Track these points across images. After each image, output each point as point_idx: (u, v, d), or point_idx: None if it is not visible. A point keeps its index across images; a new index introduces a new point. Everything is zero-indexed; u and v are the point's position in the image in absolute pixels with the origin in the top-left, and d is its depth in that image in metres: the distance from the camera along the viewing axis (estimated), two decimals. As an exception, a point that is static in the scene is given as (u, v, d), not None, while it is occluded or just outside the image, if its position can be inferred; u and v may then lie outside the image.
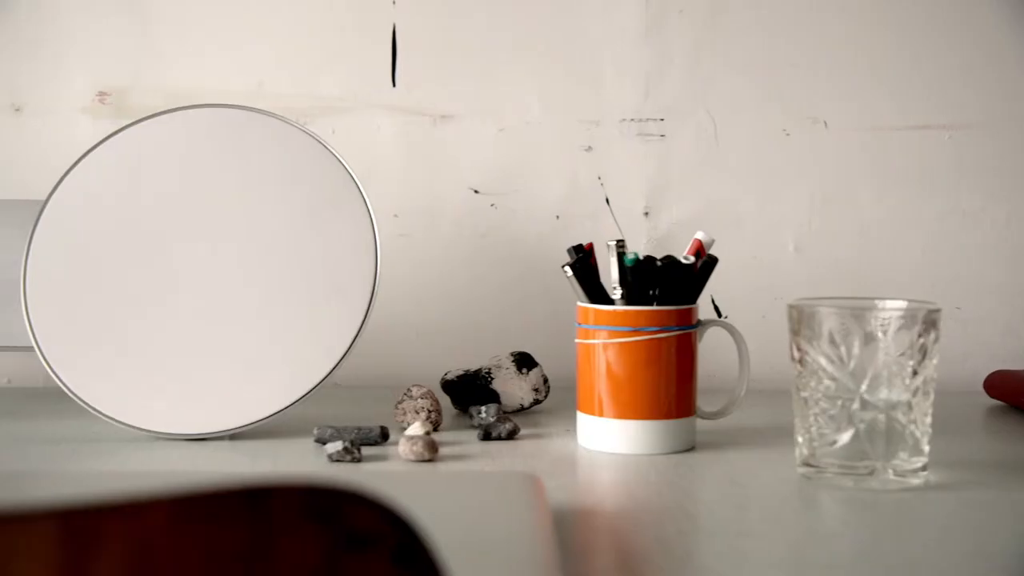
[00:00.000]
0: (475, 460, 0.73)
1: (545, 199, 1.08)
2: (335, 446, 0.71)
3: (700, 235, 0.78)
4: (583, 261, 0.77)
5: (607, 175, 1.07)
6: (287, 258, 0.81)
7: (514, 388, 0.89)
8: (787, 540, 0.59)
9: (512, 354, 0.91)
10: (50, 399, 0.94)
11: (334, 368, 0.80)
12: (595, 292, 0.77)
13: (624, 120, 1.07)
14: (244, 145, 0.84)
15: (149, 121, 0.85)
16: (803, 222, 1.07)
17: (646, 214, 1.07)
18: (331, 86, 1.07)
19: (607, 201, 1.07)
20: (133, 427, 0.78)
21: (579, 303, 0.78)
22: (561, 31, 1.07)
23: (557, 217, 1.07)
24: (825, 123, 1.06)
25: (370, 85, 1.07)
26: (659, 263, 0.75)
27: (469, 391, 0.89)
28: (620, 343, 0.75)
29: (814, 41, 1.06)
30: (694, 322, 0.76)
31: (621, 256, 0.75)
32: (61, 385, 0.79)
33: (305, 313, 0.81)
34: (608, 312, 0.75)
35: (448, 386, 0.90)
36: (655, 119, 1.07)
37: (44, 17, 1.06)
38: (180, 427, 0.79)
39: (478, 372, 0.90)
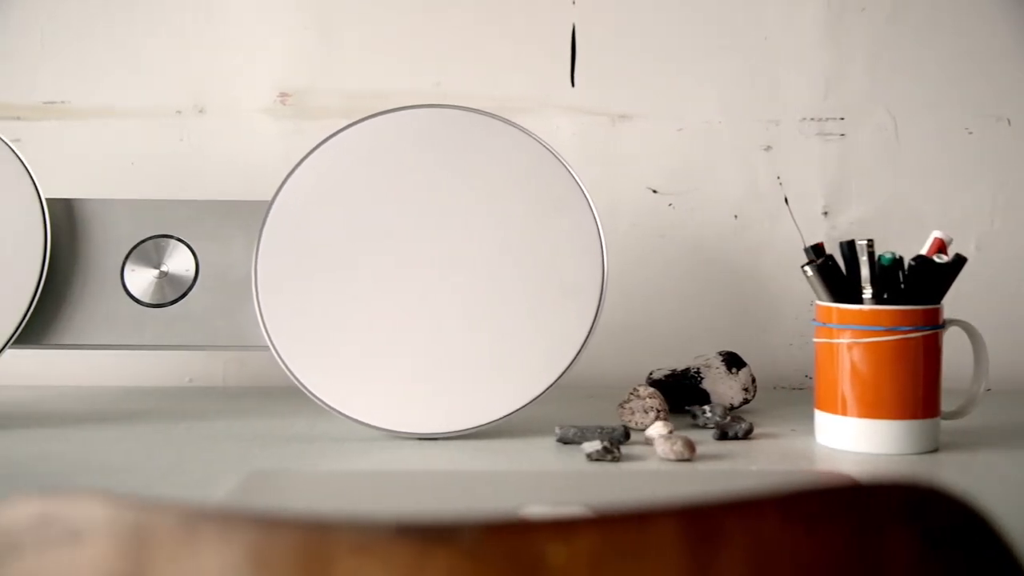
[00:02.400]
0: (731, 460, 0.73)
1: (723, 199, 1.07)
2: (593, 445, 0.72)
3: (939, 233, 0.78)
4: (831, 260, 0.77)
5: (786, 174, 1.07)
6: (514, 258, 0.82)
7: (724, 388, 0.89)
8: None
9: (720, 353, 0.91)
10: (248, 397, 0.95)
11: (567, 368, 0.80)
12: (839, 291, 0.77)
13: (804, 119, 1.07)
14: (466, 145, 0.84)
15: (371, 120, 0.85)
16: (985, 222, 1.06)
17: (825, 214, 1.07)
18: (509, 86, 1.07)
19: (786, 201, 1.07)
20: (370, 425, 0.79)
21: (818, 302, 0.78)
22: (741, 30, 1.07)
23: (735, 217, 1.07)
24: (1009, 121, 1.06)
25: (549, 85, 1.07)
26: (912, 263, 0.75)
27: (678, 390, 0.89)
28: (869, 343, 0.74)
29: (997, 38, 1.06)
30: (940, 321, 0.76)
31: (871, 255, 0.75)
32: (298, 384, 0.80)
33: (535, 313, 0.81)
34: (856, 311, 0.75)
35: (655, 386, 0.90)
36: (835, 118, 1.06)
37: (226, 19, 1.07)
38: (414, 426, 0.79)
39: (686, 371, 0.90)
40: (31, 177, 0.83)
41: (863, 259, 0.75)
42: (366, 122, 0.85)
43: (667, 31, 1.07)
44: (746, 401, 0.90)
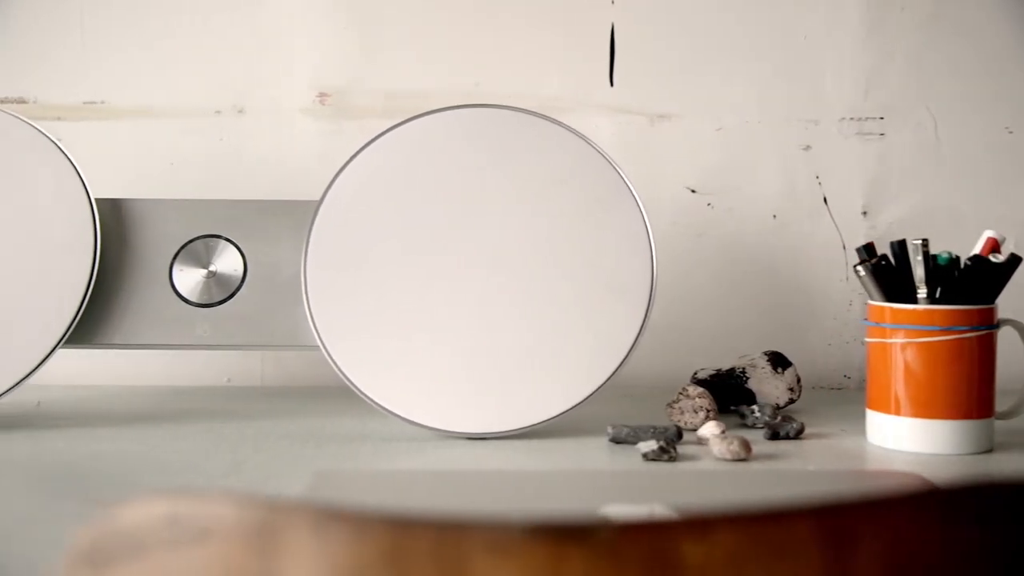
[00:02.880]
0: (786, 460, 0.73)
1: (762, 198, 1.07)
2: (649, 445, 0.72)
3: (992, 233, 0.77)
4: (885, 259, 0.77)
5: (825, 174, 1.07)
6: (563, 257, 0.81)
7: (770, 388, 0.89)
8: None
9: (765, 353, 0.91)
10: (289, 397, 0.95)
11: (618, 368, 0.80)
12: (892, 291, 0.77)
13: (843, 119, 1.06)
14: (514, 144, 0.84)
15: (418, 120, 0.85)
16: (1025, 221, 1.06)
17: (864, 213, 1.07)
18: (548, 86, 1.07)
19: (824, 200, 1.07)
20: (421, 425, 0.79)
21: (871, 302, 0.78)
22: (781, 29, 1.07)
23: (774, 216, 1.07)
24: (1049, 121, 1.05)
25: (588, 85, 1.07)
26: (968, 262, 0.75)
27: (724, 390, 0.89)
28: (923, 342, 0.74)
29: (1038, 39, 1.06)
30: (995, 321, 0.76)
31: (926, 255, 0.75)
32: (349, 383, 0.80)
33: (584, 313, 0.81)
34: (910, 311, 0.75)
35: (700, 385, 0.90)
36: (874, 117, 1.06)
37: (265, 20, 1.07)
38: (464, 426, 0.79)
39: (731, 371, 0.90)
40: (80, 177, 0.83)
41: (918, 259, 0.75)
42: (413, 121, 0.85)
43: (706, 30, 1.07)
44: (791, 401, 0.90)
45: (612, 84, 1.07)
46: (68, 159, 0.83)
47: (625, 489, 0.66)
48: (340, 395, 0.93)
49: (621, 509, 0.48)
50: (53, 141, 0.83)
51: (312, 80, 1.07)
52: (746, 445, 0.72)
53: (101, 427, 0.82)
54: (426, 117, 0.85)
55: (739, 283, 1.07)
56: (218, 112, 1.07)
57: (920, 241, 0.75)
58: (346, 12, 1.07)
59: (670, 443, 0.72)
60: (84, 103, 1.06)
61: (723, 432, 0.76)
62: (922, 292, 0.75)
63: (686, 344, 1.05)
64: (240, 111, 1.07)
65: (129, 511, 0.31)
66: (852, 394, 1.05)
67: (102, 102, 1.06)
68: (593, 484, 0.68)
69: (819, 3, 1.06)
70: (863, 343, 1.07)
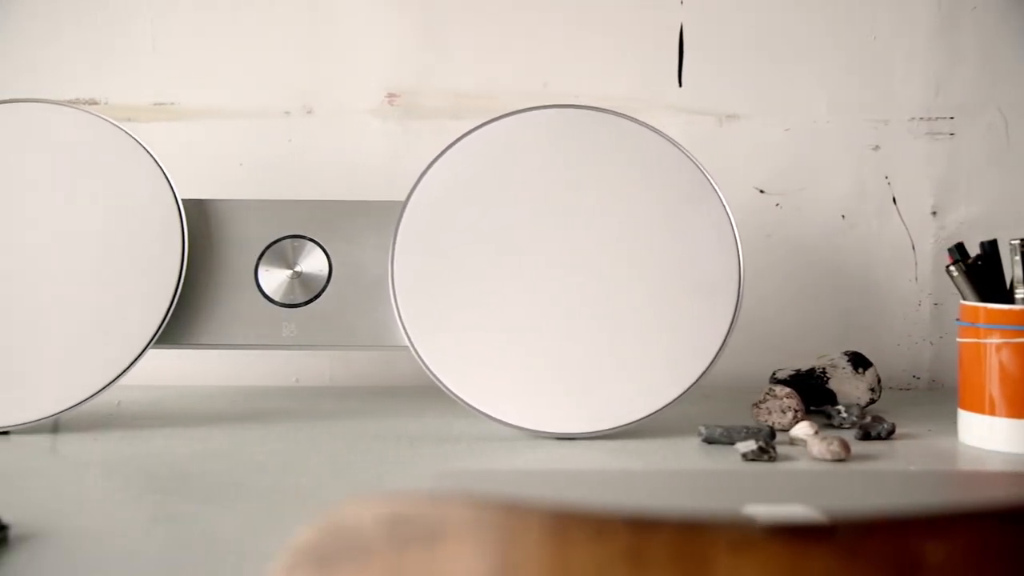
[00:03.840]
0: (882, 460, 0.73)
1: (830, 198, 1.07)
2: (748, 445, 0.72)
3: (1085, 234, 0.77)
4: (980, 260, 0.77)
5: (894, 174, 1.07)
6: (650, 257, 0.81)
7: (851, 388, 0.89)
8: None
9: (845, 353, 0.91)
10: (361, 397, 0.95)
11: (708, 367, 0.80)
12: (986, 291, 0.77)
13: (913, 119, 1.06)
14: (598, 144, 0.84)
15: (502, 120, 0.85)
16: (1096, 221, 1.06)
17: (934, 214, 1.06)
18: (617, 86, 1.07)
19: (894, 200, 1.07)
20: (510, 425, 0.79)
21: (964, 302, 0.78)
22: (850, 29, 1.07)
23: (842, 216, 1.07)
24: (1121, 120, 1.05)
25: (656, 85, 1.07)
26: (1066, 262, 0.75)
27: (804, 390, 0.89)
28: (1020, 343, 0.74)
29: (1109, 38, 1.05)
30: (1091, 321, 0.76)
31: None
32: (438, 383, 0.80)
33: (673, 313, 0.81)
34: (1006, 311, 0.75)
35: (780, 385, 0.90)
36: (944, 117, 1.06)
37: (334, 20, 1.07)
38: (554, 426, 0.79)
39: (812, 371, 0.90)
40: (167, 178, 0.83)
41: (1016, 258, 0.75)
42: (498, 121, 0.85)
43: (775, 31, 1.07)
44: (872, 402, 0.89)
45: (680, 85, 1.07)
46: (154, 160, 0.83)
47: (728, 490, 0.66)
48: (412, 395, 0.94)
49: (765, 510, 0.48)
50: (141, 144, 0.84)
51: (381, 81, 1.07)
52: (845, 445, 0.72)
53: (187, 427, 0.82)
54: (510, 117, 0.85)
55: (807, 283, 1.07)
56: (287, 113, 1.07)
57: (1018, 241, 0.75)
58: (414, 12, 1.07)
59: (768, 443, 0.72)
60: (154, 104, 1.07)
61: (816, 432, 0.76)
62: (1020, 292, 0.75)
63: (755, 344, 1.04)
64: (309, 112, 1.07)
65: (351, 512, 0.31)
66: (923, 394, 1.05)
67: (172, 103, 1.07)
68: (697, 484, 0.68)
69: (889, 2, 1.06)
70: (931, 343, 1.07)
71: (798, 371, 0.91)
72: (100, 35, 1.07)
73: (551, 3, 1.07)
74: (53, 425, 0.80)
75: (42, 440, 0.77)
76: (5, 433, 0.78)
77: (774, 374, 0.92)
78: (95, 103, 1.06)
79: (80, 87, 1.06)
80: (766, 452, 0.71)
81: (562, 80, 1.07)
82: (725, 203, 0.83)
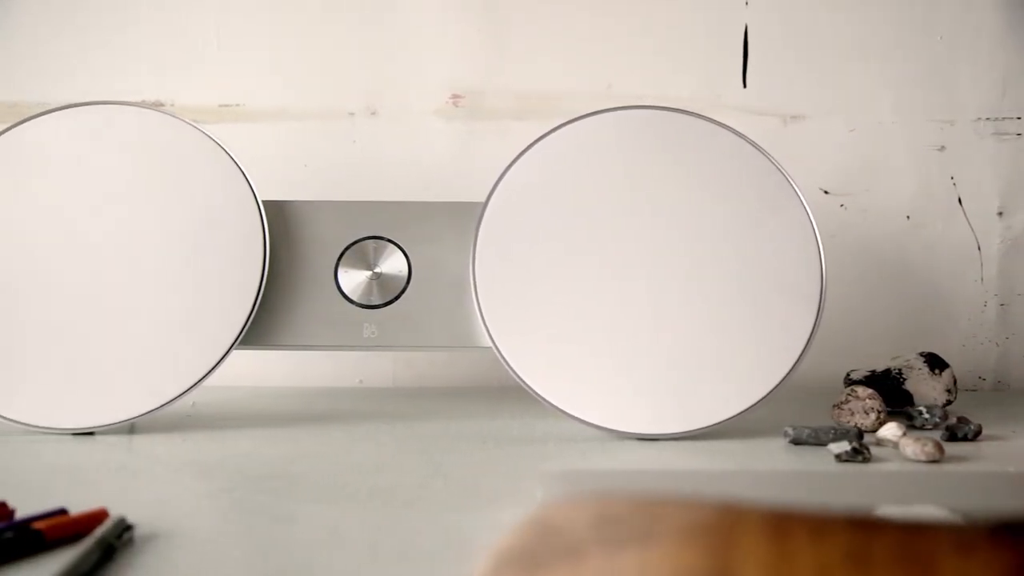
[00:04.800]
0: (974, 461, 0.73)
1: (895, 199, 1.07)
2: (841, 446, 0.71)
3: None
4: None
5: (960, 175, 1.06)
6: (730, 258, 0.81)
7: (927, 389, 0.89)
8: None
9: (921, 354, 0.91)
10: (430, 398, 0.95)
11: (792, 368, 0.80)
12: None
13: (979, 119, 1.06)
14: (677, 145, 0.84)
15: (582, 121, 0.85)
16: None
17: (1000, 214, 1.06)
18: (681, 87, 1.07)
19: (959, 201, 1.06)
20: (594, 425, 0.79)
21: (1051, 303, 0.78)
22: (915, 29, 1.06)
23: (907, 217, 1.07)
24: None
25: (720, 86, 1.07)
26: None
27: (881, 391, 0.88)
28: (1111, 343, 0.74)
29: None
30: None
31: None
32: (522, 384, 0.80)
33: (754, 314, 0.81)
34: (1097, 312, 0.75)
35: (855, 386, 0.90)
36: (1012, 117, 1.06)
37: (398, 21, 1.07)
38: (636, 427, 0.79)
39: (887, 372, 0.90)
40: (247, 179, 0.83)
41: (1107, 259, 0.74)
42: (577, 123, 0.85)
43: (840, 31, 1.07)
44: (948, 403, 0.89)
45: (745, 85, 1.07)
46: (234, 162, 0.84)
47: (828, 491, 0.66)
48: (478, 396, 0.94)
49: (897, 510, 0.48)
50: (220, 145, 0.84)
51: (445, 81, 1.07)
52: (939, 446, 0.71)
53: (267, 427, 0.82)
54: (589, 119, 0.85)
55: (872, 284, 1.07)
56: (351, 114, 1.07)
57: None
58: (478, 13, 1.07)
59: (863, 444, 0.72)
60: (220, 106, 1.07)
61: (904, 433, 0.76)
62: (1111, 293, 0.74)
63: (820, 346, 1.04)
64: (373, 113, 1.07)
65: (560, 513, 0.31)
66: (990, 395, 1.05)
67: (237, 104, 1.07)
68: (794, 485, 0.67)
69: (955, 2, 1.05)
70: (997, 344, 1.07)
71: (873, 372, 0.91)
72: (165, 37, 1.07)
73: (615, 4, 1.07)
74: (130, 427, 0.80)
75: (130, 441, 0.77)
76: (90, 433, 0.78)
77: (848, 375, 0.92)
78: (160, 105, 1.06)
79: (146, 89, 1.06)
80: (860, 453, 0.71)
81: (626, 81, 1.07)
82: (806, 204, 0.83)
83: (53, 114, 0.83)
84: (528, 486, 0.62)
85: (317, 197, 0.88)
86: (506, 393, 1.02)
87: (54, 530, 0.50)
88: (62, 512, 0.53)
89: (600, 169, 0.84)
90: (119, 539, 0.50)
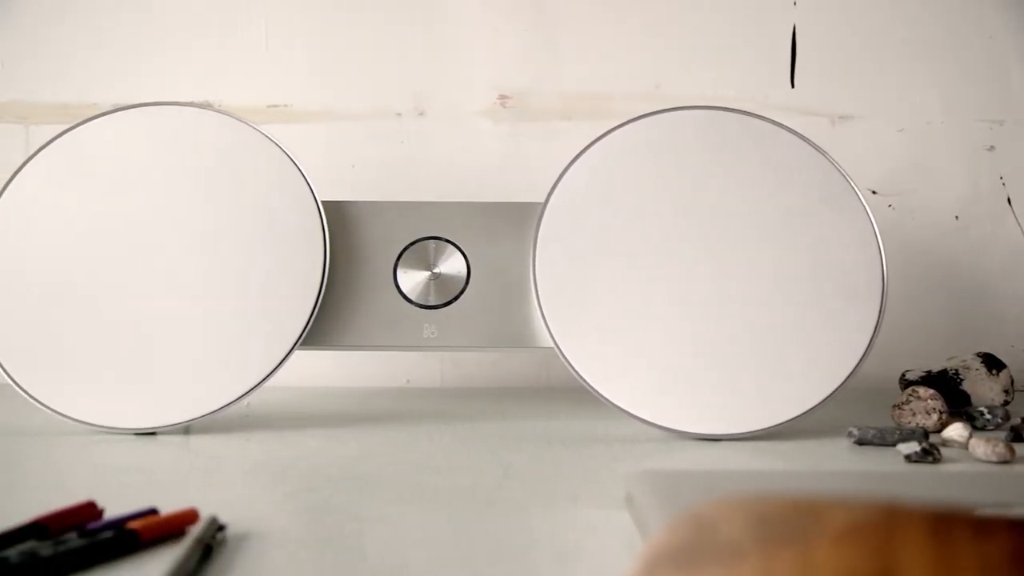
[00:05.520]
0: (1046, 462, 0.73)
1: (944, 200, 1.07)
2: (911, 447, 0.71)
3: None
4: None
5: (1009, 175, 1.06)
6: (790, 258, 0.81)
7: (984, 389, 0.89)
8: None
9: (978, 354, 0.91)
10: (481, 398, 0.95)
11: (855, 369, 0.79)
12: None
13: (1028, 119, 1.06)
14: (735, 145, 0.84)
15: (640, 121, 0.85)
16: None
17: (1049, 214, 1.06)
18: (728, 87, 1.07)
19: (1008, 201, 1.06)
20: (657, 425, 0.79)
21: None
22: (965, 29, 1.06)
23: (956, 218, 1.07)
24: None
25: (768, 86, 1.07)
26: None
27: (937, 392, 0.88)
28: None
29: None
30: None
31: None
32: (583, 383, 0.80)
33: (815, 314, 0.80)
34: None
35: (910, 386, 0.90)
36: (1061, 118, 1.06)
37: (446, 22, 1.07)
38: (698, 427, 0.79)
39: (944, 373, 0.90)
40: (306, 180, 0.83)
41: None
42: (634, 123, 0.85)
43: (889, 31, 1.06)
44: (1006, 403, 0.89)
45: (793, 86, 1.07)
46: (293, 162, 0.84)
47: (900, 491, 0.66)
48: (531, 396, 0.95)
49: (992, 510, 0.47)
50: (279, 146, 0.84)
51: (493, 82, 1.07)
52: (1010, 447, 0.71)
53: (328, 427, 0.82)
54: (648, 118, 0.85)
55: (920, 285, 1.07)
56: (399, 115, 1.07)
57: None
58: (526, 13, 1.07)
59: (934, 445, 0.71)
60: (268, 106, 1.07)
61: (970, 434, 0.76)
62: None
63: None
64: (421, 114, 1.07)
65: (717, 513, 0.31)
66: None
67: (285, 105, 1.07)
68: (868, 485, 0.67)
69: (1005, 1, 1.05)
70: (1046, 345, 1.07)
71: (929, 372, 0.90)
72: (213, 37, 1.07)
73: (662, 4, 1.07)
74: (185, 428, 0.80)
75: (192, 441, 0.77)
76: (152, 434, 0.79)
77: (904, 375, 0.91)
78: (208, 106, 1.06)
79: (193, 90, 1.07)
80: (930, 454, 0.71)
81: (674, 81, 1.07)
82: (866, 204, 0.83)
83: (114, 115, 0.83)
84: (609, 487, 0.62)
85: (364, 198, 0.88)
86: (555, 393, 1.02)
87: (149, 530, 0.50)
88: (153, 512, 0.53)
89: (658, 169, 0.84)
90: (214, 539, 0.50)
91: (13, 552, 0.46)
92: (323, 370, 1.06)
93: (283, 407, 0.93)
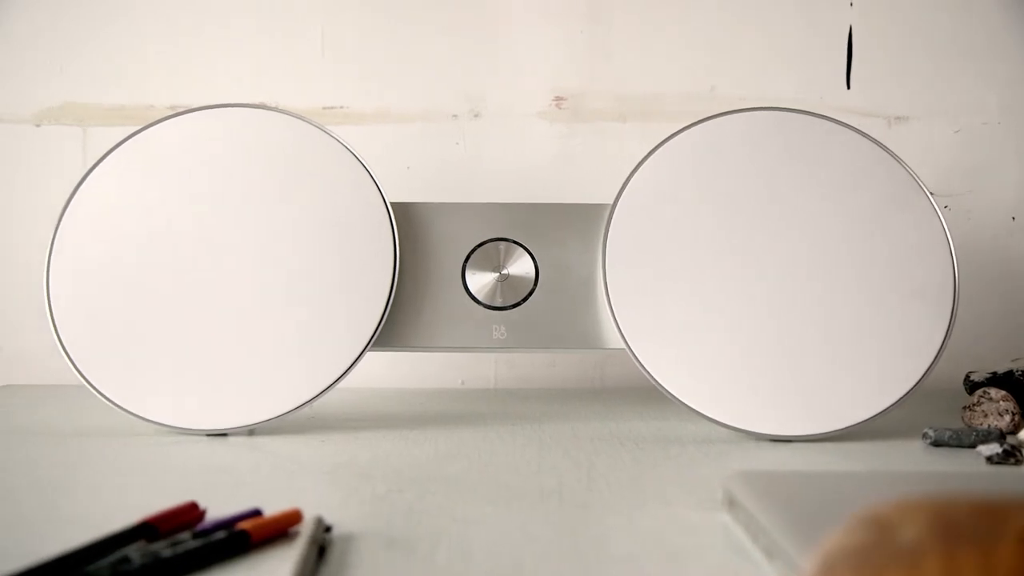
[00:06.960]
0: None
1: (1001, 200, 1.07)
2: (991, 448, 0.71)
3: None
4: None
5: (1066, 175, 1.06)
6: (860, 258, 0.81)
7: (1051, 391, 0.88)
8: None
9: (1043, 356, 0.90)
10: (539, 399, 0.95)
11: (928, 370, 0.79)
12: None
13: (1086, 120, 1.05)
14: (801, 146, 0.84)
15: (709, 122, 0.85)
16: None
17: (1106, 215, 1.06)
18: (784, 88, 1.07)
19: (1065, 202, 1.06)
20: (726, 425, 0.79)
21: None
22: (1019, 27, 1.06)
23: (1012, 219, 1.06)
24: None
25: (824, 87, 1.07)
26: None
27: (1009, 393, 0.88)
28: None
29: None
30: None
31: None
32: (654, 383, 0.80)
33: (886, 315, 0.80)
34: None
35: (976, 388, 0.89)
36: (1119, 118, 1.05)
37: (500, 22, 1.07)
38: (770, 427, 0.79)
39: (1010, 374, 0.90)
40: (375, 181, 0.84)
41: None
42: (701, 125, 0.85)
43: (945, 32, 1.06)
44: (1072, 404, 0.89)
45: (849, 87, 1.07)
46: (361, 163, 0.84)
47: (985, 492, 0.66)
48: (587, 397, 0.95)
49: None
50: (347, 148, 0.84)
51: (548, 83, 1.07)
52: (1091, 449, 0.71)
53: (398, 429, 0.82)
54: (713, 120, 0.85)
55: (976, 286, 1.07)
56: (455, 116, 1.07)
57: None
58: (581, 15, 1.07)
59: (1016, 447, 0.71)
60: (324, 108, 1.07)
61: (1048, 436, 0.75)
62: None
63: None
64: (476, 115, 1.07)
65: (896, 514, 0.31)
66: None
67: (341, 107, 1.07)
68: (953, 487, 0.67)
69: (1062, 3, 1.05)
70: (1104, 346, 1.06)
71: (994, 373, 0.90)
72: (270, 39, 1.07)
73: (717, 5, 1.07)
74: (250, 429, 0.80)
75: (266, 443, 0.77)
76: (223, 435, 0.79)
77: (968, 377, 0.91)
78: (265, 108, 1.07)
79: (249, 93, 1.07)
80: (1012, 455, 0.70)
81: (729, 82, 1.07)
82: (935, 204, 0.82)
83: (184, 116, 0.83)
84: (696, 487, 0.62)
85: (420, 199, 0.88)
86: (612, 394, 1.02)
87: (258, 531, 0.51)
88: (257, 513, 0.53)
89: (726, 170, 0.84)
90: (324, 540, 0.50)
91: (134, 553, 0.46)
92: (376, 372, 1.06)
93: (345, 409, 0.93)
